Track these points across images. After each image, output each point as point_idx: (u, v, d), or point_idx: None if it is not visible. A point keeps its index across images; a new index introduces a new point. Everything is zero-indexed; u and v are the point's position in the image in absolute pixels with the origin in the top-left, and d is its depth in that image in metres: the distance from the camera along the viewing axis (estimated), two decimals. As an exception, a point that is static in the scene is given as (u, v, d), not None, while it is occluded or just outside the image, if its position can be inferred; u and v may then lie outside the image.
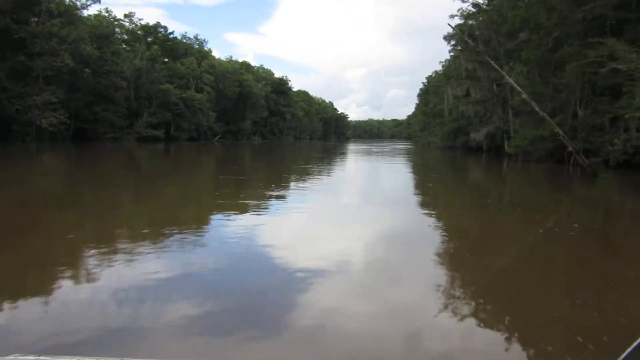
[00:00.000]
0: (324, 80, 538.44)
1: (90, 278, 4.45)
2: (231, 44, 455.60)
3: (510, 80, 21.30)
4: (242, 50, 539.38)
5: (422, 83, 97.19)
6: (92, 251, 5.47)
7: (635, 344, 0.83)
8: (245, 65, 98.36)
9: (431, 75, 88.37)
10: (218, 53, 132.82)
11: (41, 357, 0.85)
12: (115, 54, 50.29)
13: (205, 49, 72.19)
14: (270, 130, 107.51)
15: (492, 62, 22.92)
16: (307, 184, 14.91)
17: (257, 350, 3.07)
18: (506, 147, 30.62)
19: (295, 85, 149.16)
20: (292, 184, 14.77)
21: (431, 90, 73.36)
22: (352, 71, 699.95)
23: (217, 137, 68.91)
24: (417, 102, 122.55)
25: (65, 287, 4.21)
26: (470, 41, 28.27)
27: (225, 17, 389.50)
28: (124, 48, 57.49)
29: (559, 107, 22.29)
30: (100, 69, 48.33)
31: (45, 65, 39.41)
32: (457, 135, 44.88)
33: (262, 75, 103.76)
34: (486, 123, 34.67)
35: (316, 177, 17.71)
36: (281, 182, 15.13)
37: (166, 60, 62.87)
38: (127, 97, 53.94)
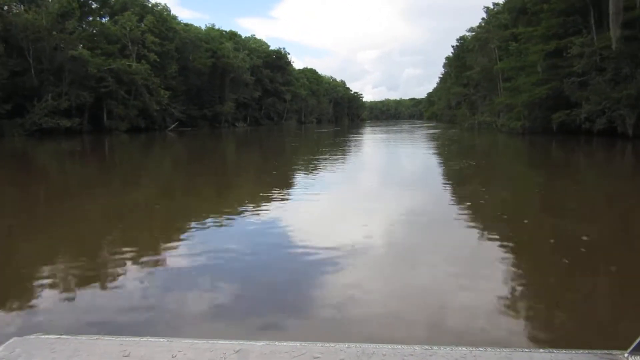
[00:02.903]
0: (338, 62, 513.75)
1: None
2: (244, 30, 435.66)
3: None
4: (255, 35, 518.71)
5: (452, 46, 76.12)
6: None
7: None
8: (230, 34, 78.78)
9: (466, 36, 67.56)
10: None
11: (63, 336, 0.90)
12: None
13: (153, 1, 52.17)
14: (266, 113, 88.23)
15: None
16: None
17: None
18: None
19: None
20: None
21: (474, 51, 52.27)
22: (365, 53, 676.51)
23: (173, 125, 49.73)
24: (443, 73, 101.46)
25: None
26: None
27: (237, 2, 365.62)
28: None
29: None
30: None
31: None
32: (548, 110, 24.74)
33: (253, 47, 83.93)
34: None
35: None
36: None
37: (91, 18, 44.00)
38: (17, 72, 35.56)
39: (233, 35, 79.64)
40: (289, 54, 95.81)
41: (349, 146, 25.18)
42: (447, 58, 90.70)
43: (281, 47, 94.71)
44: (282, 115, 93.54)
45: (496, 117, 36.64)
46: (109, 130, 42.28)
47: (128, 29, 43.54)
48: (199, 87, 61.38)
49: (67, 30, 38.38)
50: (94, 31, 44.88)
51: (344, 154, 19.62)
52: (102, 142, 32.88)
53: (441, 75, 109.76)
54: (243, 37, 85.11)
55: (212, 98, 63.22)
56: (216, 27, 74.51)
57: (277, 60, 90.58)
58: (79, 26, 39.78)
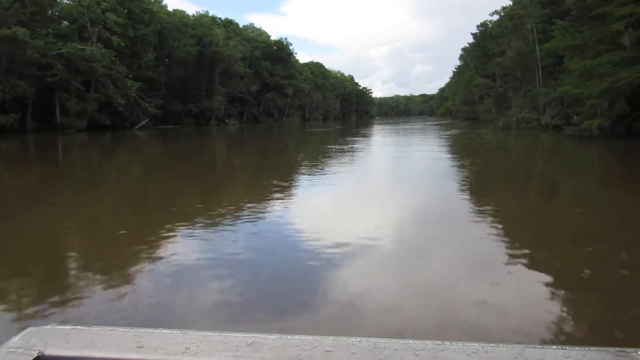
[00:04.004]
0: (348, 59, 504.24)
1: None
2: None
3: None
4: (254, 25, 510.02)
5: (472, 34, 67.39)
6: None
7: None
8: (225, 22, 71.20)
9: (487, 22, 59.26)
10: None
11: (77, 327, 0.92)
12: None
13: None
14: (265, 109, 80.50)
15: None
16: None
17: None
18: None
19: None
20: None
21: (503, 35, 43.84)
22: (375, 49, 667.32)
23: (142, 122, 42.11)
24: (458, 66, 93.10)
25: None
26: None
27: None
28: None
29: None
30: None
31: None
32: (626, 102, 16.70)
33: (251, 37, 76.26)
34: None
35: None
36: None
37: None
38: None
39: (228, 23, 72.09)
40: (291, 44, 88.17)
41: (333, 164, 16.67)
42: (465, 49, 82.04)
43: (285, 39, 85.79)
44: (284, 111, 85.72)
45: (538, 114, 28.55)
46: (62, 128, 35.07)
47: (86, 6, 36.10)
48: (184, 79, 54.03)
49: (3, 6, 31.12)
50: (55, 13, 37.69)
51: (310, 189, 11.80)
52: (39, 144, 25.65)
53: (455, 69, 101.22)
54: (241, 26, 77.57)
55: (198, 92, 55.77)
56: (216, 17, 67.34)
57: (278, 52, 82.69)
58: (13, 2, 32.21)
